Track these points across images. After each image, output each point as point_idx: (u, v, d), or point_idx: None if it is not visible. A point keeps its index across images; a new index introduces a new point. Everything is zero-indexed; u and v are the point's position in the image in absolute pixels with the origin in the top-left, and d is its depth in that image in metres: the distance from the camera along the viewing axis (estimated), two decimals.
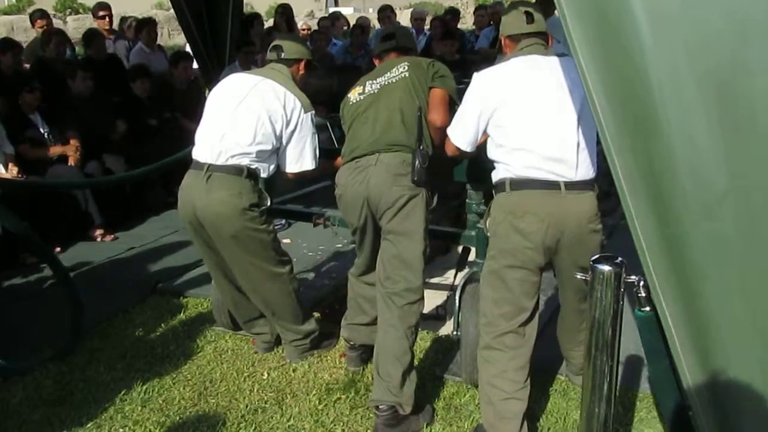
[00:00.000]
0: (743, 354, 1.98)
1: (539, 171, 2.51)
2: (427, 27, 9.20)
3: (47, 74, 5.83)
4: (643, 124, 1.83)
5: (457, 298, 3.08)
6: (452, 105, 2.95)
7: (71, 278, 3.71)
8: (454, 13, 9.11)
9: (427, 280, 3.08)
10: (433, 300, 3.71)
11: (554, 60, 2.59)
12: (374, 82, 3.06)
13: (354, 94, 3.10)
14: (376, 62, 3.26)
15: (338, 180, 2.99)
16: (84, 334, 3.61)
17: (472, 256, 3.38)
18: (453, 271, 3.66)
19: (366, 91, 3.05)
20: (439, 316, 3.69)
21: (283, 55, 3.29)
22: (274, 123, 3.10)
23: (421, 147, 2.81)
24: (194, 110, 6.14)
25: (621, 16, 1.77)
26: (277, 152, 3.20)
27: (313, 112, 3.23)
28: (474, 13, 9.20)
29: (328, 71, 6.07)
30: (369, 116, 2.96)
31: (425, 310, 3.46)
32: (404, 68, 3.00)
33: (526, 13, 2.69)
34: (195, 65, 6.68)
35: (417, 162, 2.76)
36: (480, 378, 2.68)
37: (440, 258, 4.46)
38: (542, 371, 3.03)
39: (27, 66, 6.19)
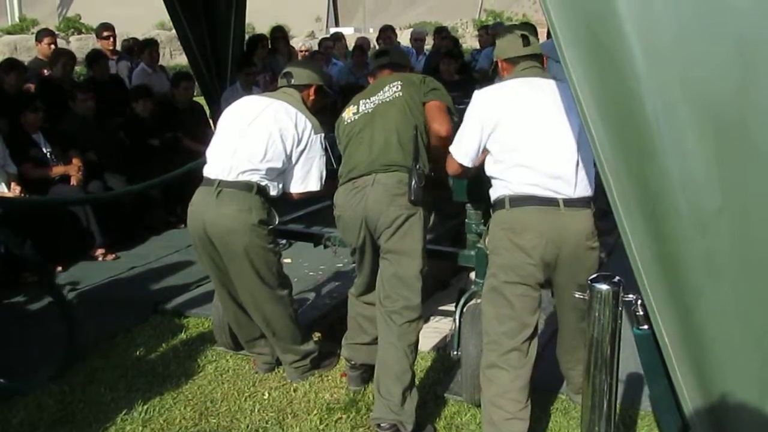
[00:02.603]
0: (740, 370, 1.99)
1: (538, 188, 2.53)
2: (427, 47, 9.25)
3: (52, 94, 5.87)
4: (638, 145, 1.86)
5: (457, 317, 3.08)
6: (450, 115, 2.97)
7: (66, 298, 3.69)
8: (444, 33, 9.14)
9: (427, 316, 3.04)
10: (431, 339, 3.69)
11: (553, 82, 2.65)
12: (368, 101, 3.08)
13: (348, 114, 3.12)
14: (370, 80, 3.30)
15: (336, 201, 3.01)
16: (84, 354, 3.62)
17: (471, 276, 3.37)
18: (451, 308, 3.57)
19: (360, 110, 3.07)
20: None
21: (293, 81, 3.33)
22: (285, 141, 3.13)
23: (418, 166, 2.82)
24: (196, 130, 6.21)
25: (615, 41, 1.81)
26: (285, 172, 3.23)
27: (323, 134, 3.27)
28: (479, 32, 9.29)
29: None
30: (365, 137, 2.98)
31: (425, 349, 3.46)
32: (397, 87, 3.02)
33: (523, 36, 2.75)
34: None
35: (413, 181, 2.78)
36: (482, 397, 2.68)
37: (439, 293, 4.35)
38: (543, 390, 3.03)
39: (29, 85, 6.23)
